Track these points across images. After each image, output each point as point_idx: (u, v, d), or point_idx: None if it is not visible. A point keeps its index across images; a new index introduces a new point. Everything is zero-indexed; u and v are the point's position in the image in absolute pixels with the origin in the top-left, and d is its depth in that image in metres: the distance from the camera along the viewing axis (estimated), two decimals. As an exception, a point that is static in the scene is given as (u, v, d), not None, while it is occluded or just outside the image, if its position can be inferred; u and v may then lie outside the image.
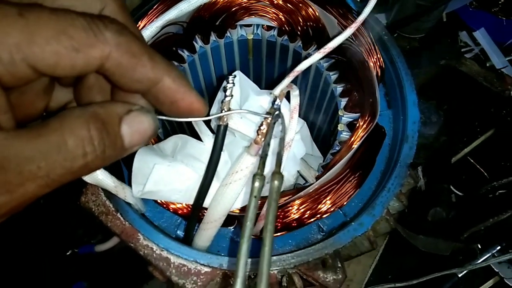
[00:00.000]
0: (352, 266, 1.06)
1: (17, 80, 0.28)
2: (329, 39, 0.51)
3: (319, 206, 0.57)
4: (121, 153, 0.33)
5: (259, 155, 0.47)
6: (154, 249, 0.54)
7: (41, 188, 0.28)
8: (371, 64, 0.63)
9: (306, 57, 0.72)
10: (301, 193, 0.57)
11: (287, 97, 0.51)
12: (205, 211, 0.53)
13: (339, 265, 0.55)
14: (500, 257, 0.83)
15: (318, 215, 0.57)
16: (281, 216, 0.57)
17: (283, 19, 0.71)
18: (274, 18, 0.71)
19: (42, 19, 0.27)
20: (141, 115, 0.33)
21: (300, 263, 0.53)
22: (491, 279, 1.00)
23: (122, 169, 0.61)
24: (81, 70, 0.30)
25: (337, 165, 0.57)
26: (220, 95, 0.57)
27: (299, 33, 0.70)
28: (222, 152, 0.51)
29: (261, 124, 0.47)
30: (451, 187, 1.07)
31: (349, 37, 0.53)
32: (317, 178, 0.59)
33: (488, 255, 0.93)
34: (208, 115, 0.42)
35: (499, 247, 0.93)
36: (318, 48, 0.70)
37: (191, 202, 0.55)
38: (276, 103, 0.48)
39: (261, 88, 0.60)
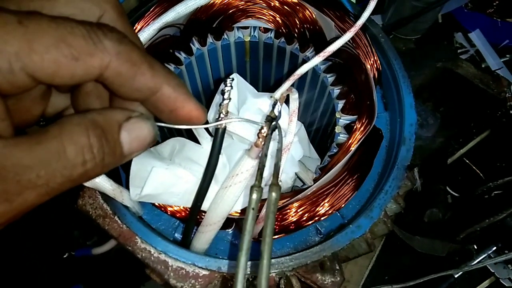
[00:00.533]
0: (349, 267, 1.07)
1: (15, 88, 0.28)
2: (326, 41, 0.51)
3: (317, 209, 0.57)
4: (120, 160, 0.33)
5: (259, 158, 0.47)
6: (152, 252, 0.54)
7: (41, 197, 0.28)
8: (368, 66, 0.63)
9: (303, 59, 0.73)
10: (299, 196, 0.57)
11: (286, 100, 0.51)
12: (203, 213, 0.53)
13: (337, 267, 0.55)
14: (496, 258, 0.83)
15: (316, 218, 0.57)
16: (279, 219, 0.57)
17: (280, 21, 0.71)
18: (271, 20, 0.71)
19: (41, 27, 0.27)
20: (141, 122, 0.33)
21: (298, 265, 0.53)
22: (487, 279, 1.01)
23: (119, 172, 0.60)
24: (80, 79, 0.29)
25: (335, 168, 0.57)
26: (218, 98, 0.57)
27: (296, 35, 0.70)
28: (220, 155, 0.51)
29: (262, 128, 0.46)
30: (447, 188, 1.07)
31: (346, 40, 0.53)
32: (315, 180, 0.59)
33: (484, 256, 0.94)
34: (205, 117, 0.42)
35: (495, 248, 0.94)
36: (315, 50, 0.70)
37: (189, 205, 0.55)
38: (276, 107, 0.48)
39: (258, 91, 0.60)
